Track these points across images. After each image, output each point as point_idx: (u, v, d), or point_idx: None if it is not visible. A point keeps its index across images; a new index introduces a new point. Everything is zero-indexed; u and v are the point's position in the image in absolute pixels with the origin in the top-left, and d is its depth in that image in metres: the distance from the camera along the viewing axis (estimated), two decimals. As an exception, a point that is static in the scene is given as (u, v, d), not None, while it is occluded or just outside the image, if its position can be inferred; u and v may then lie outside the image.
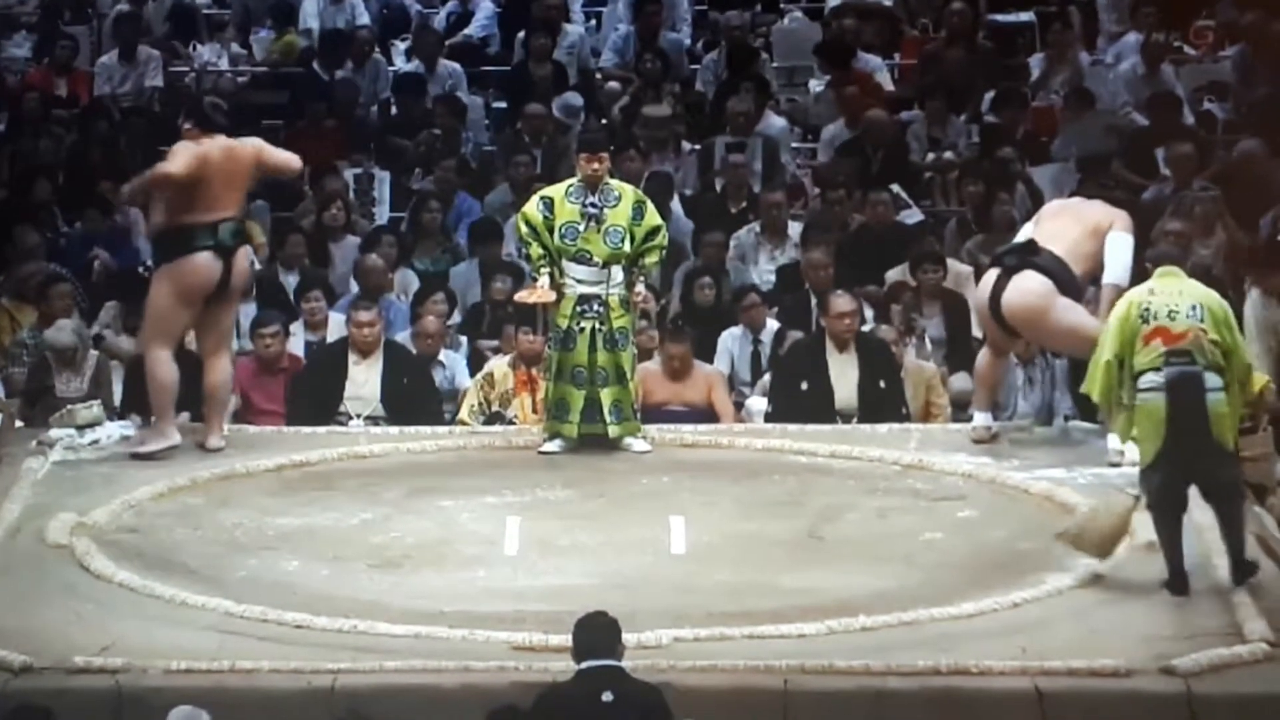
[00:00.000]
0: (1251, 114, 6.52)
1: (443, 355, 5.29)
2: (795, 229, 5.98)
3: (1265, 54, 6.70)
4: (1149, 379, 3.74)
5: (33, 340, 5.39)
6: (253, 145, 4.54)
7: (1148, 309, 3.79)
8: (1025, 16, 7.06)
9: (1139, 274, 4.27)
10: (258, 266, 5.79)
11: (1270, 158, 6.05)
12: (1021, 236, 4.54)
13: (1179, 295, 3.83)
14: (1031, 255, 4.39)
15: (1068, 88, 6.63)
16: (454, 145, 6.52)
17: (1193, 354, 3.74)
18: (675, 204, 6.09)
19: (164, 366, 4.44)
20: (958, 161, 6.43)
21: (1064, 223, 4.44)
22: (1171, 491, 3.74)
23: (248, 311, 5.53)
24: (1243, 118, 6.58)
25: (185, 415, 4.74)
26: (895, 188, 6.06)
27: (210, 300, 4.46)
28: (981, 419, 4.59)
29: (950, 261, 5.73)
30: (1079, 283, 4.41)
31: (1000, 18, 7.09)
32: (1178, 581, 3.77)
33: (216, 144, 4.44)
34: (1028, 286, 4.37)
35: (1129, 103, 6.63)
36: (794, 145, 6.66)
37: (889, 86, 6.86)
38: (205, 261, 4.40)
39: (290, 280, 5.75)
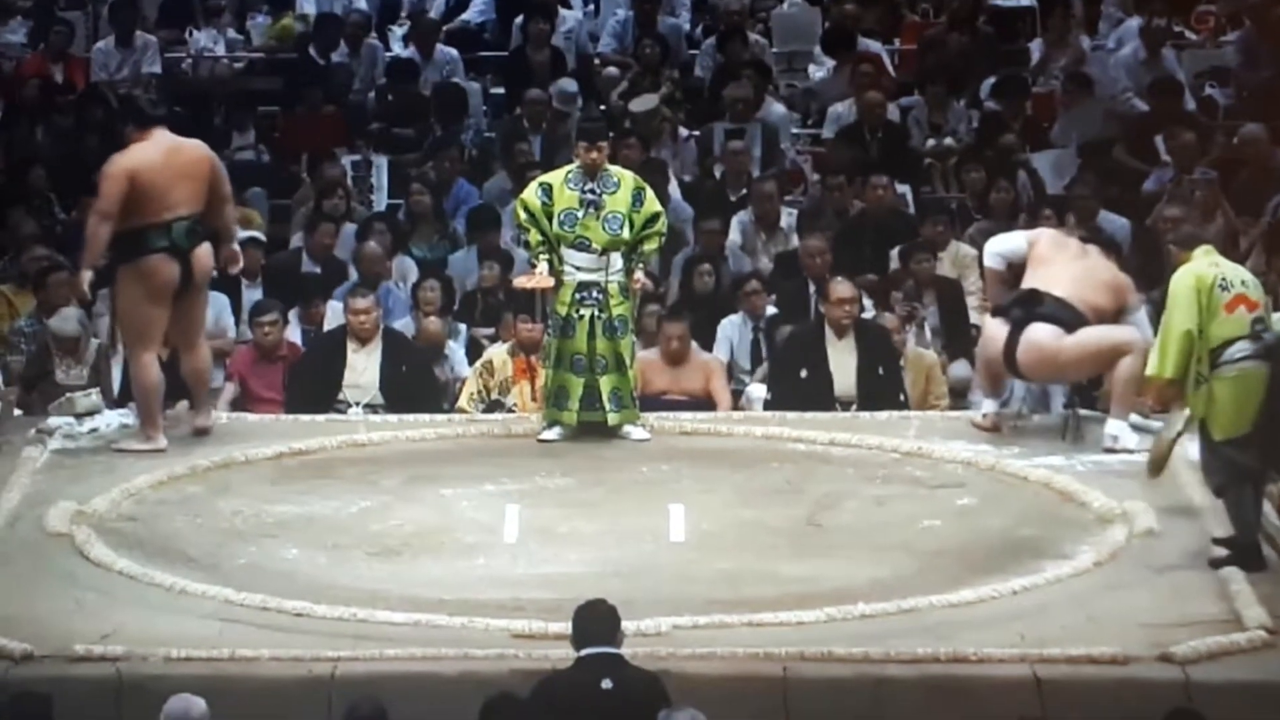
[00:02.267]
0: (1253, 99, 6.49)
1: (446, 346, 5.29)
2: (795, 216, 5.97)
3: (1268, 37, 6.66)
4: (1241, 347, 3.64)
5: (31, 328, 5.37)
6: (209, 154, 4.46)
7: (1224, 278, 3.71)
8: (1026, 1, 7.03)
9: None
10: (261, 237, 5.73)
11: (1274, 142, 6.01)
12: (1010, 245, 4.47)
13: (1236, 269, 3.78)
14: (1036, 306, 4.37)
15: (1068, 73, 6.60)
16: (454, 134, 6.48)
17: (1266, 322, 3.69)
18: (674, 190, 6.05)
19: (148, 370, 4.41)
20: (958, 148, 6.41)
21: (1067, 264, 4.38)
22: (1260, 462, 3.66)
23: (251, 297, 5.53)
24: (1244, 102, 6.55)
25: (184, 404, 4.73)
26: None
27: (176, 298, 4.41)
28: (989, 405, 4.57)
29: (955, 244, 5.70)
30: (1087, 321, 4.37)
31: (1001, 3, 7.05)
32: (1255, 557, 3.72)
33: (156, 145, 4.37)
34: (1037, 340, 4.36)
35: (1130, 88, 6.60)
36: (794, 131, 6.62)
37: (889, 72, 6.84)
38: (160, 263, 4.35)
39: (312, 271, 5.73)
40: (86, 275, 4.43)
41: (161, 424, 4.47)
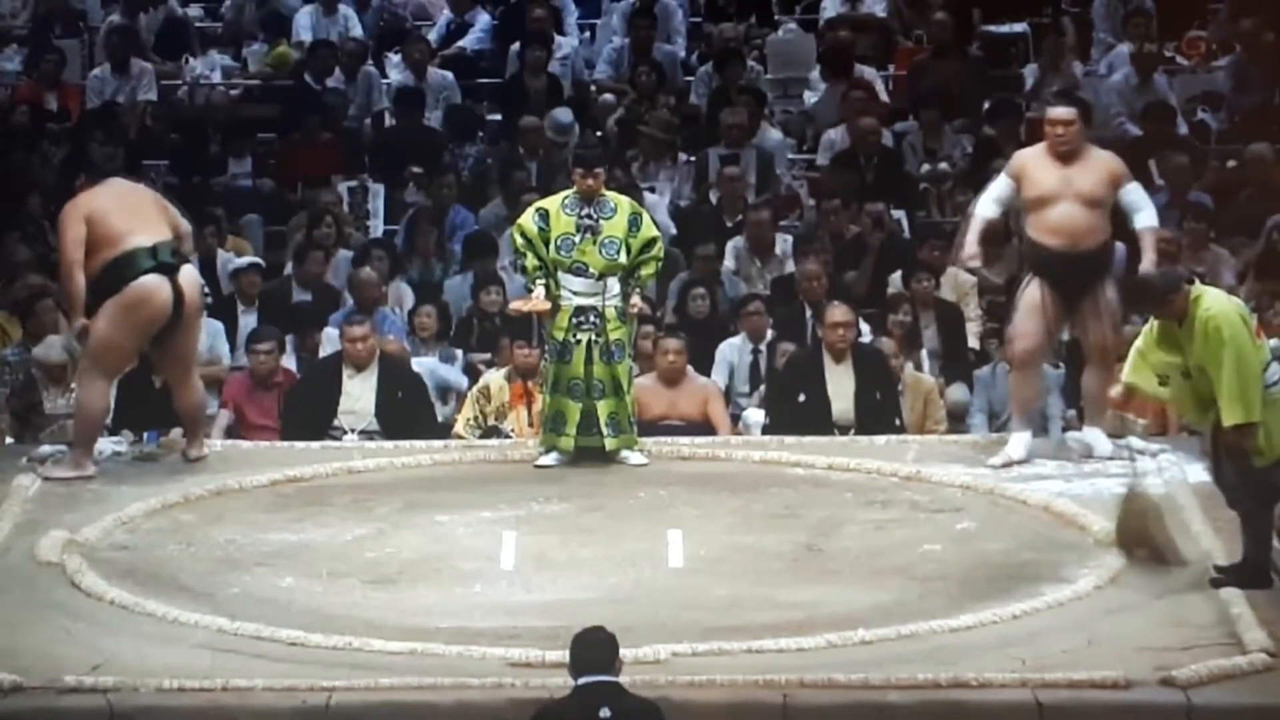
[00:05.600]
0: (1245, 123, 6.55)
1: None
2: (790, 241, 6.00)
3: (1258, 62, 6.73)
4: (1274, 371, 3.70)
5: (15, 357, 5.34)
6: (157, 195, 4.47)
7: (1242, 308, 3.78)
8: (1019, 27, 7.09)
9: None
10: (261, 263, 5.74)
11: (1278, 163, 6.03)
12: (1000, 191, 4.35)
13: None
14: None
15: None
16: (461, 158, 6.49)
17: None
18: (665, 218, 6.08)
19: (100, 399, 4.37)
20: (952, 172, 6.45)
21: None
22: None
23: (246, 323, 5.52)
24: (1236, 126, 6.60)
25: (177, 431, 4.70)
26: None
27: (166, 331, 4.36)
28: (1018, 445, 4.35)
29: (953, 270, 5.73)
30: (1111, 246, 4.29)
31: (994, 29, 7.12)
32: (1264, 575, 3.76)
33: (105, 187, 4.37)
34: None
35: (1122, 113, 6.66)
36: (790, 156, 6.66)
37: (884, 98, 6.88)
38: (154, 284, 4.31)
39: (303, 299, 5.75)
40: (79, 324, 4.37)
41: (93, 450, 4.42)
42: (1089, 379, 4.49)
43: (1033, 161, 4.35)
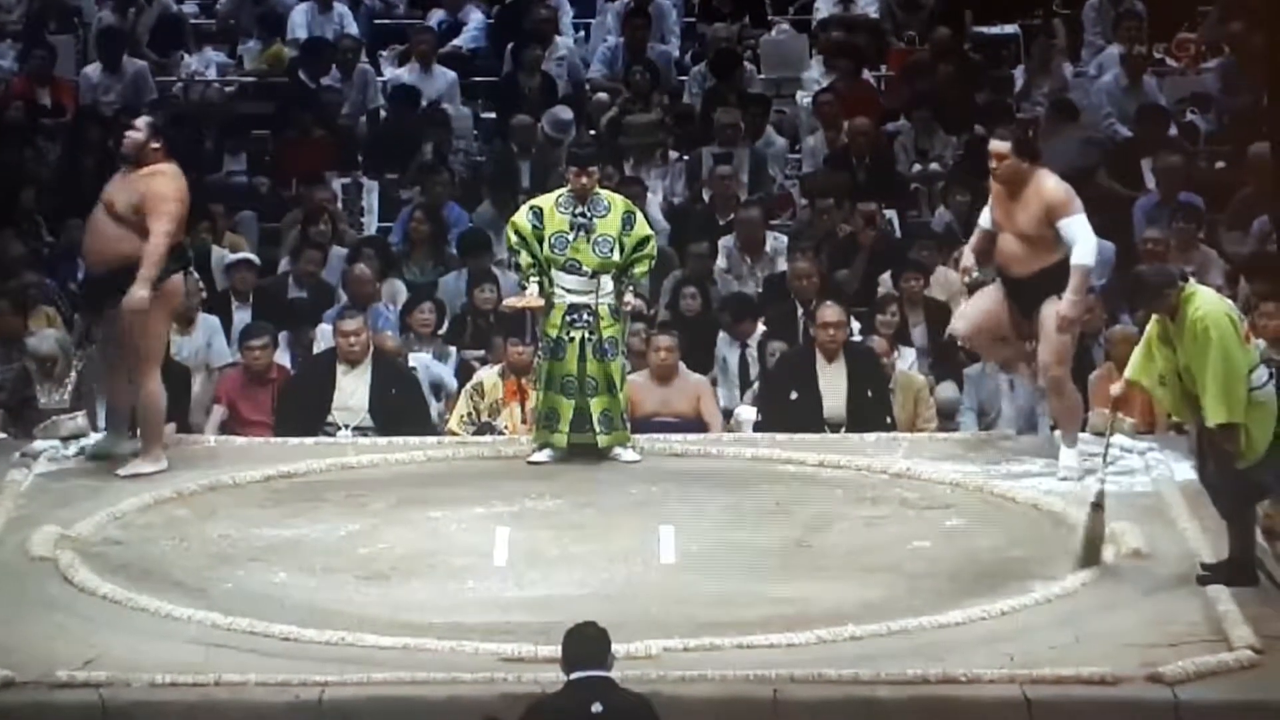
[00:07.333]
0: (1234, 124, 6.60)
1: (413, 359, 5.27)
2: (783, 241, 6.04)
3: (1247, 64, 6.79)
4: (1260, 373, 3.73)
5: (-2, 352, 5.36)
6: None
7: (1232, 309, 3.81)
8: (1010, 29, 7.14)
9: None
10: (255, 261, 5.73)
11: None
12: (985, 222, 4.42)
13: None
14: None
15: (1052, 99, 6.70)
16: (443, 158, 6.52)
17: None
18: (656, 213, 6.11)
19: (161, 390, 4.44)
20: (944, 172, 6.49)
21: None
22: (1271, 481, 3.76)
23: (241, 319, 5.54)
24: (1225, 128, 6.66)
25: (172, 426, 4.73)
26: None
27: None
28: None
29: (943, 270, 5.77)
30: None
31: (985, 30, 7.16)
32: (1249, 573, 3.79)
33: (176, 170, 4.44)
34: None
35: (1111, 114, 6.70)
36: (786, 155, 6.70)
37: (875, 99, 6.95)
38: (180, 282, 4.46)
39: (299, 295, 5.75)
40: (147, 295, 4.34)
41: (162, 442, 4.48)
42: (1048, 401, 4.54)
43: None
